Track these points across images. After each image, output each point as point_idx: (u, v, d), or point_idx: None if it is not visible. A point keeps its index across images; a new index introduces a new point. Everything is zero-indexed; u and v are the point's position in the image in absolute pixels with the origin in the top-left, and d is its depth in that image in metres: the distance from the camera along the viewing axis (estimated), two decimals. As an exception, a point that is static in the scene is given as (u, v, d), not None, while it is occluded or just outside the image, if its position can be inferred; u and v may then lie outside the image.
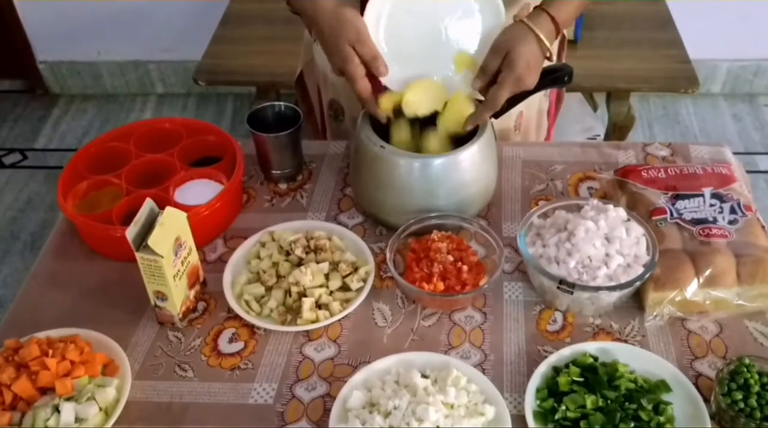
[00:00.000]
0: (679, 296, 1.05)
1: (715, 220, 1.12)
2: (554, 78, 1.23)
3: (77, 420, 0.94)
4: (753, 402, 0.92)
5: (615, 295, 1.06)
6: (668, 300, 1.05)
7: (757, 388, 0.93)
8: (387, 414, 0.92)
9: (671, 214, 1.13)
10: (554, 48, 1.16)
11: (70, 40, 3.05)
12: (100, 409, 0.95)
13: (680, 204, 1.15)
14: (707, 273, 1.05)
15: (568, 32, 1.89)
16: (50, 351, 0.98)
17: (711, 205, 1.14)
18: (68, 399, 0.95)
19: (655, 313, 1.07)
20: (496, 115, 1.21)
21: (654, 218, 1.13)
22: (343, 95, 1.43)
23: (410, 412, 0.91)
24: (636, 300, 1.10)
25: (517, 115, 1.44)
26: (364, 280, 1.12)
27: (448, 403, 0.93)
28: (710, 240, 1.09)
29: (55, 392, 0.95)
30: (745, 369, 0.95)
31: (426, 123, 1.18)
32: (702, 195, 1.16)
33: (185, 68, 3.02)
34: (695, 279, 1.05)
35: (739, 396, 0.92)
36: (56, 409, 0.93)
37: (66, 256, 1.21)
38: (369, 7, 1.13)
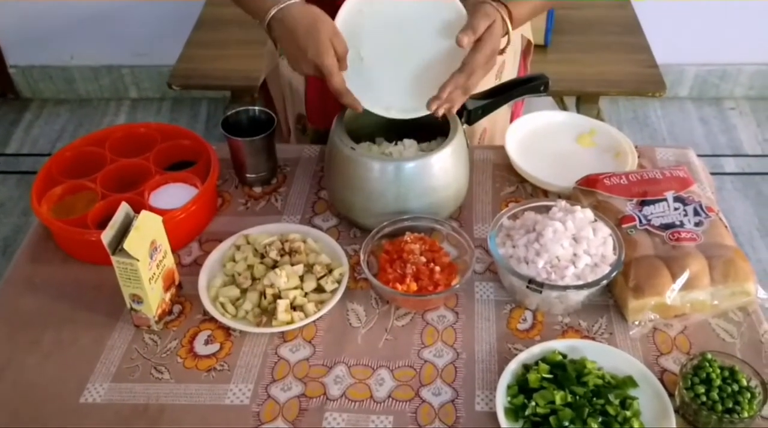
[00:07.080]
0: (659, 302, 1.07)
1: (682, 224, 1.14)
2: (531, 86, 1.25)
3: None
4: (714, 395, 0.95)
5: (583, 294, 1.08)
6: (648, 307, 1.07)
7: (718, 382, 0.96)
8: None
9: (640, 221, 1.14)
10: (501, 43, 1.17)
11: (41, 44, 3.02)
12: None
13: (647, 210, 1.16)
14: (684, 276, 1.07)
15: (537, 37, 1.92)
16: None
17: (675, 209, 1.16)
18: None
19: (637, 321, 1.08)
20: (470, 122, 1.23)
21: (624, 226, 1.14)
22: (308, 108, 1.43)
23: None
24: (604, 298, 1.13)
25: (481, 131, 1.47)
26: (339, 282, 1.13)
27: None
28: (681, 244, 1.11)
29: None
30: (708, 364, 0.98)
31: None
32: (665, 199, 1.18)
33: (159, 72, 3.01)
34: (673, 284, 1.07)
35: (701, 389, 0.95)
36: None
37: (41, 260, 1.20)
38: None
